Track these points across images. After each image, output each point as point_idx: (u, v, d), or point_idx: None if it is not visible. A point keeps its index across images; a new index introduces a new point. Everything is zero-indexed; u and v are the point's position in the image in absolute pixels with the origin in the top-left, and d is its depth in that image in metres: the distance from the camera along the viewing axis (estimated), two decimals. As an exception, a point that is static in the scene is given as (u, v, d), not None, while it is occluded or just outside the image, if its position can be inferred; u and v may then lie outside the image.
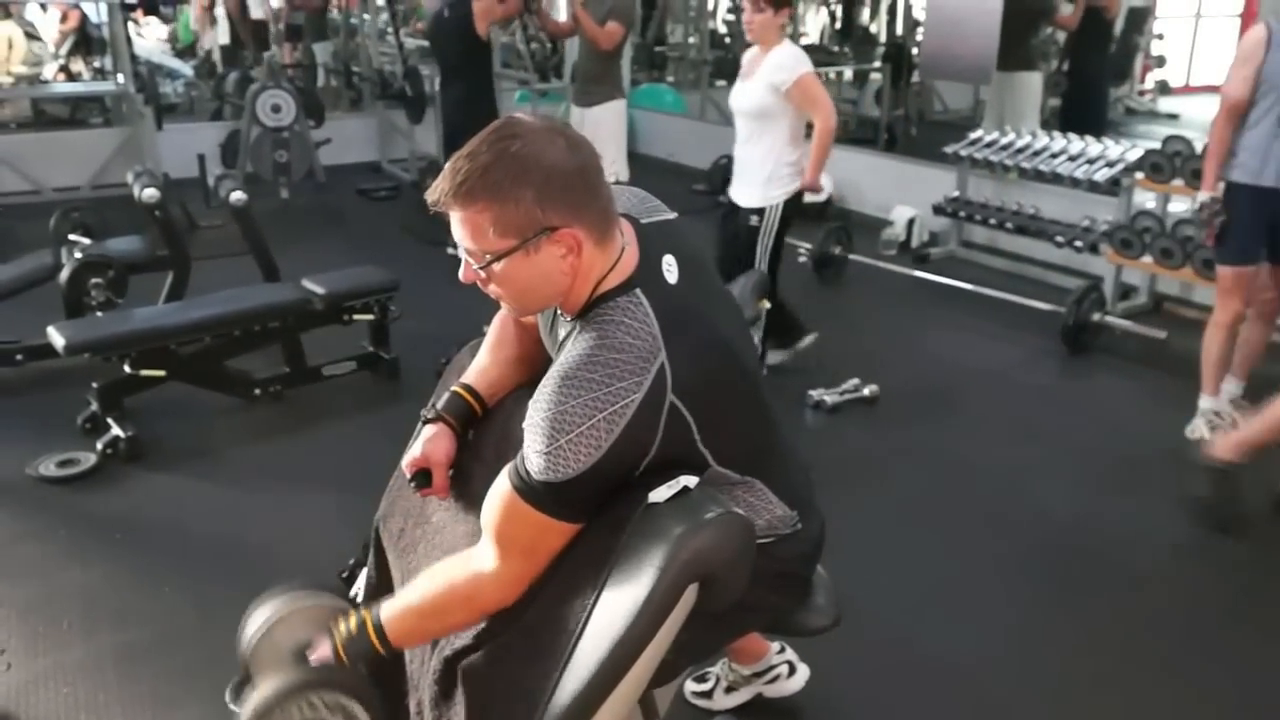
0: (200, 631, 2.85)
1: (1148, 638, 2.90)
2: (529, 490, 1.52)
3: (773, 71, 4.03)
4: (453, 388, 1.93)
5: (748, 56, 4.22)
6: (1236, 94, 3.65)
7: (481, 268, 1.56)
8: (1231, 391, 4.02)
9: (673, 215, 1.79)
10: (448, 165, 1.53)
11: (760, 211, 4.17)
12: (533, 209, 1.50)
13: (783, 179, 4.15)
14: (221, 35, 10.83)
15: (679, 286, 1.64)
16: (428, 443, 1.86)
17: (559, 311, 1.69)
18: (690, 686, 2.58)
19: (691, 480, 1.53)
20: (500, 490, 1.56)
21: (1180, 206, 5.42)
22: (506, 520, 1.55)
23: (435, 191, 1.53)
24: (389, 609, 1.69)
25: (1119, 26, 8.38)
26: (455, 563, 1.65)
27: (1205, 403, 3.93)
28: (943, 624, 2.94)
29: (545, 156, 1.50)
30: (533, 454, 1.50)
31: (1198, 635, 2.91)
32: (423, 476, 1.86)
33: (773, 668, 2.58)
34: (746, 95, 4.13)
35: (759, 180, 4.17)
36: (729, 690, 2.58)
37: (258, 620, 1.88)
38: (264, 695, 1.67)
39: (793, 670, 2.59)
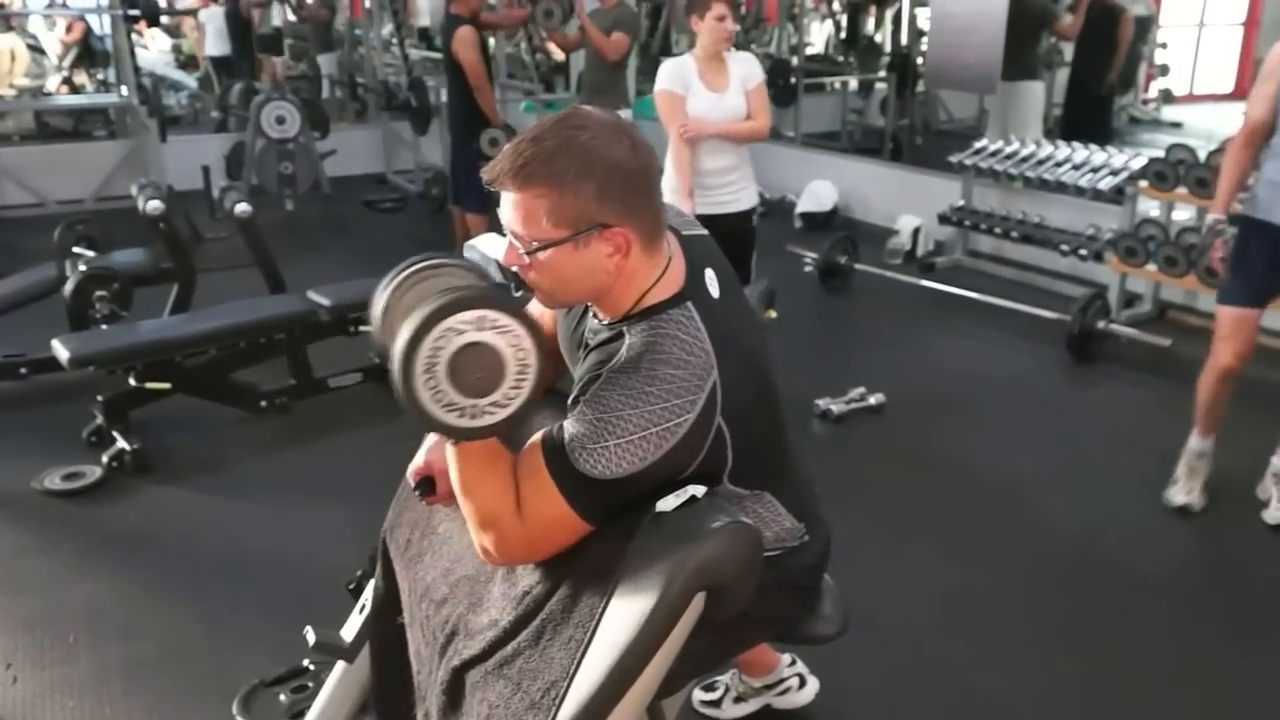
0: (207, 645, 2.85)
1: (1156, 645, 2.89)
2: (562, 472, 1.50)
3: (744, 73, 4.02)
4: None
5: (697, 68, 3.99)
6: (1255, 115, 3.22)
7: (527, 253, 1.54)
8: (1275, 465, 3.48)
9: (704, 231, 1.79)
10: (509, 145, 1.52)
11: (755, 210, 4.18)
12: (590, 203, 1.49)
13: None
14: (212, 47, 10.82)
15: (721, 302, 1.63)
16: (431, 451, 1.85)
17: (592, 313, 1.68)
18: (699, 696, 2.58)
19: (699, 490, 1.52)
20: (532, 463, 1.54)
21: (1184, 215, 5.42)
22: (531, 486, 1.54)
23: (493, 170, 1.51)
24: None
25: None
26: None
27: (1192, 442, 3.55)
28: (951, 632, 2.93)
29: (611, 152, 1.49)
30: (578, 445, 1.49)
31: (1206, 643, 2.89)
32: (426, 484, 1.84)
33: (783, 680, 2.57)
34: (731, 103, 4.00)
35: (749, 179, 4.14)
36: (738, 700, 2.58)
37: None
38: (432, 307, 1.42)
39: (803, 683, 2.59)
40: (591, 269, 1.54)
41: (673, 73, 4.03)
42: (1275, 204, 3.21)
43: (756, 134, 4.06)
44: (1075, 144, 5.84)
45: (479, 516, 1.57)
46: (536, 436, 1.56)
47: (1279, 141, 3.20)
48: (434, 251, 1.81)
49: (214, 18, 10.64)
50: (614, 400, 1.48)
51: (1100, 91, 7.49)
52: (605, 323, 1.63)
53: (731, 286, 1.71)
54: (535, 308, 1.95)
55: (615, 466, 1.47)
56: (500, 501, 1.55)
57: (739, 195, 4.10)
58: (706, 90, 3.99)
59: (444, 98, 6.75)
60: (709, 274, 1.65)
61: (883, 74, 10.08)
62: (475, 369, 1.43)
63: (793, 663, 2.60)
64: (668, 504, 1.50)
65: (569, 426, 1.52)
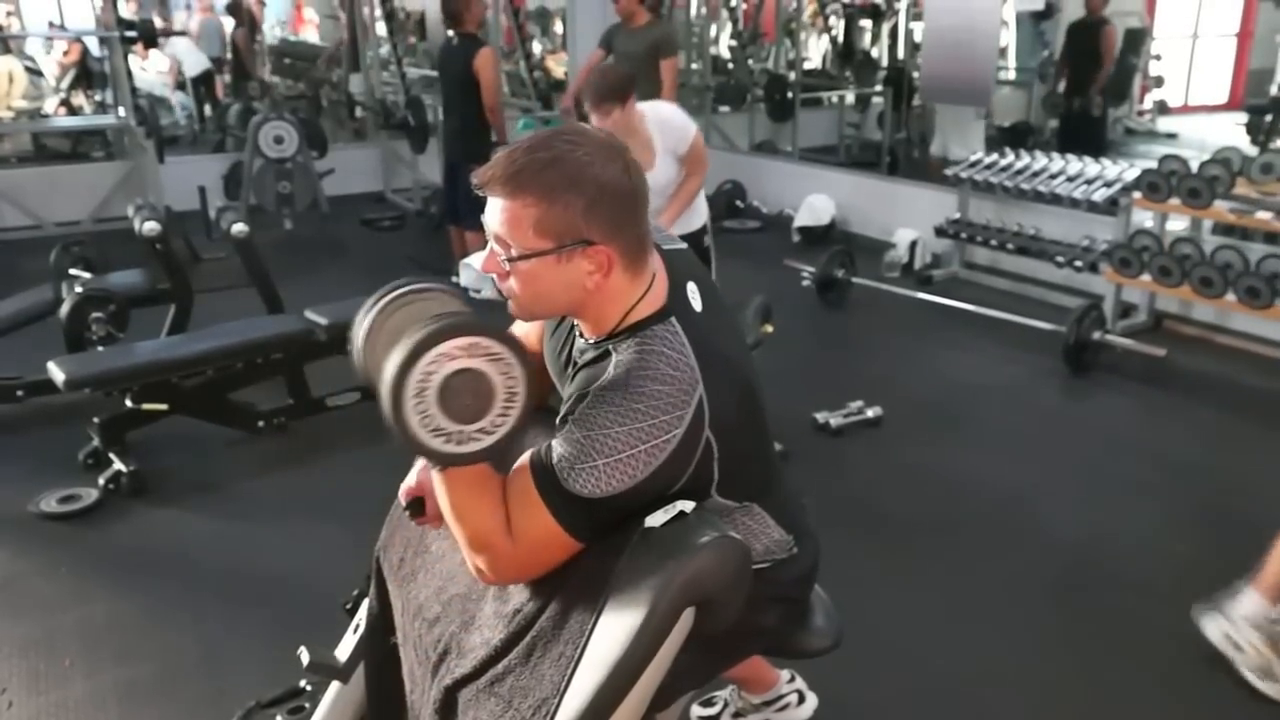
0: (204, 667, 2.84)
1: (1154, 656, 2.88)
2: (552, 492, 1.50)
3: (672, 142, 3.93)
4: (451, 416, 1.92)
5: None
6: None
7: (508, 260, 1.54)
8: (1272, 615, 2.78)
9: (684, 245, 1.79)
10: (503, 152, 1.52)
11: (705, 228, 4.17)
12: (578, 219, 1.49)
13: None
14: (191, 68, 10.86)
15: (704, 315, 1.63)
16: (423, 470, 1.84)
17: (577, 333, 1.68)
18: (697, 712, 2.57)
19: (688, 505, 1.52)
20: (521, 483, 1.54)
21: (1178, 225, 5.45)
22: (520, 506, 1.54)
23: (485, 174, 1.51)
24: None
25: (1117, 48, 8.41)
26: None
27: (1250, 606, 2.77)
28: (951, 646, 2.93)
29: (604, 171, 1.50)
30: (567, 465, 1.49)
31: (1203, 653, 2.88)
32: (417, 504, 1.84)
33: (782, 696, 2.56)
34: (663, 177, 3.91)
35: (691, 206, 4.08)
36: (736, 716, 2.56)
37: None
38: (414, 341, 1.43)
39: (802, 699, 2.57)
40: (569, 284, 1.54)
41: None
42: None
43: (698, 187, 4.02)
44: (1069, 156, 5.87)
45: (471, 539, 1.56)
46: (525, 457, 1.55)
47: None
48: (418, 276, 1.80)
49: (187, 37, 10.76)
50: (601, 419, 1.48)
51: (1089, 103, 7.51)
52: (591, 342, 1.63)
53: (713, 299, 1.71)
54: (520, 327, 1.95)
55: (605, 485, 1.47)
56: (491, 523, 1.54)
57: (682, 223, 4.03)
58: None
59: (440, 116, 6.77)
60: (690, 288, 1.65)
61: (879, 88, 10.11)
62: (465, 395, 1.43)
63: (791, 679, 2.58)
64: (656, 519, 1.50)
65: (557, 446, 1.51)
